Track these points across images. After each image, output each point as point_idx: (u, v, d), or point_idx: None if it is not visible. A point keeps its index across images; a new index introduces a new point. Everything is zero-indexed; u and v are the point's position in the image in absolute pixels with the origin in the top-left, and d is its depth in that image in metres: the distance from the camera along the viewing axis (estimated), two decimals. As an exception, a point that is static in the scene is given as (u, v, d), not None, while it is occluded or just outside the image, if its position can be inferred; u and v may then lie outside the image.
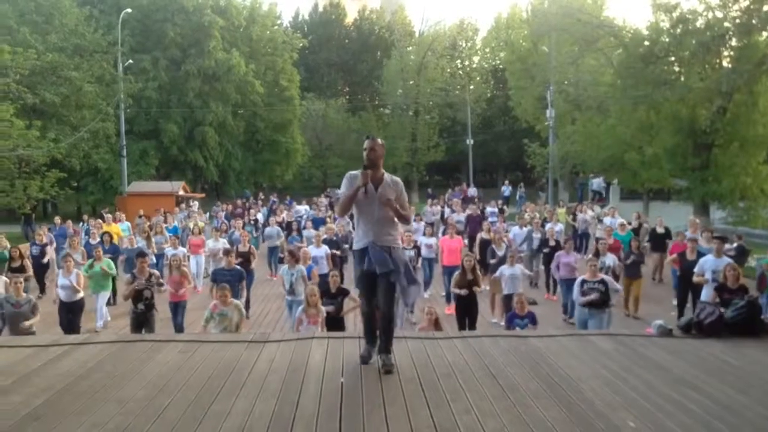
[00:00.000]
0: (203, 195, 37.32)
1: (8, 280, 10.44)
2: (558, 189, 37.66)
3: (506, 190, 35.53)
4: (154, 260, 15.17)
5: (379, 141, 5.49)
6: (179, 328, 11.15)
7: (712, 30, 21.83)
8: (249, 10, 47.79)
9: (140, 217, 23.22)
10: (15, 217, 29.09)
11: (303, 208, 26.85)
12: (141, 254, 10.65)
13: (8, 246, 14.62)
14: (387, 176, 5.53)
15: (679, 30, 23.18)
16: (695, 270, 10.40)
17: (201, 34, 41.64)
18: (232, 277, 10.94)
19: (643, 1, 43.67)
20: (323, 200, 29.91)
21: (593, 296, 9.27)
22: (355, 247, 5.63)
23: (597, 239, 16.49)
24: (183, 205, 27.09)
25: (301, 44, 49.99)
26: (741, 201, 23.95)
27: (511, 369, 5.60)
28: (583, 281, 9.55)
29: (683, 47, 22.85)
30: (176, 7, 41.76)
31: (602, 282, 9.44)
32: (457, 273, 11.29)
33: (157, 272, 10.81)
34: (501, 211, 24.04)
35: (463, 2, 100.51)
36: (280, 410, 4.66)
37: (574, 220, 19.63)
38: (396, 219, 5.49)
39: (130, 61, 36.48)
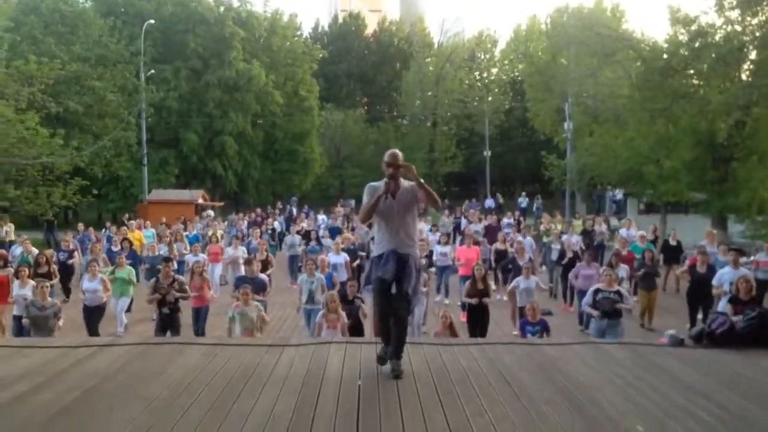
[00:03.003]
0: (222, 203, 37.67)
1: (36, 284, 10.70)
2: (575, 201, 37.64)
3: (523, 201, 35.55)
4: (176, 266, 15.42)
5: (399, 153, 5.66)
6: (201, 332, 11.36)
7: (730, 43, 21.84)
8: (270, 22, 48.26)
9: (162, 224, 23.56)
10: (37, 223, 29.53)
11: (321, 218, 27.06)
12: (166, 259, 10.88)
13: (32, 251, 14.94)
14: (405, 184, 5.68)
15: (697, 44, 23.24)
16: (714, 282, 10.45)
17: (222, 45, 42.15)
18: (255, 286, 11.08)
19: (662, 14, 43.66)
20: (340, 210, 30.12)
21: (603, 307, 9.26)
22: (375, 253, 5.80)
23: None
24: (204, 213, 27.42)
25: (321, 55, 50.35)
26: (759, 215, 23.89)
27: (524, 375, 5.73)
28: (598, 290, 9.59)
29: (702, 60, 22.86)
30: (198, 18, 42.35)
31: (618, 293, 9.49)
32: (468, 282, 11.42)
33: (182, 278, 11.03)
34: (518, 222, 24.11)
35: (482, 14, 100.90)
36: (299, 411, 4.82)
37: (591, 232, 19.66)
38: (428, 200, 5.57)
39: (152, 71, 37.01)
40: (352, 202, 40.29)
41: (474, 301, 10.61)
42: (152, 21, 37.30)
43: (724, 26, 23.12)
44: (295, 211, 31.92)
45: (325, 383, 5.50)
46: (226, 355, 6.40)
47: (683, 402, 5.06)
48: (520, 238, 16.39)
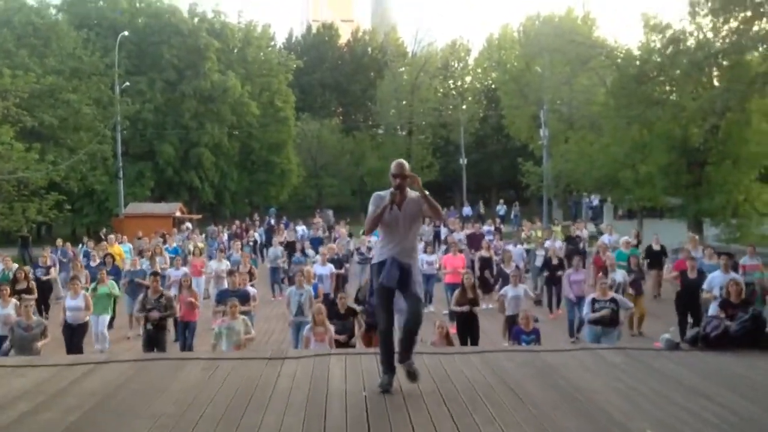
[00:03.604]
0: (200, 216, 37.40)
1: (18, 303, 10.53)
2: (552, 207, 37.96)
3: (501, 209, 35.78)
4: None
5: (406, 164, 5.68)
6: (188, 347, 11.26)
7: (703, 50, 22.27)
8: (244, 32, 48.18)
9: (139, 238, 23.31)
10: (10, 239, 29.05)
11: (301, 229, 26.97)
12: (154, 273, 10.78)
13: (12, 267, 14.69)
14: (411, 194, 5.66)
15: (669, 50, 23.65)
16: (704, 287, 10.58)
17: (197, 56, 41.95)
18: (238, 298, 11.00)
19: (634, 21, 44.44)
20: (319, 220, 30.06)
21: (603, 312, 9.34)
22: (375, 260, 5.80)
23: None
24: (183, 226, 27.19)
25: (295, 66, 50.34)
26: (733, 218, 24.32)
27: (527, 382, 5.77)
28: (594, 300, 9.66)
29: (675, 67, 23.27)
30: (172, 29, 42.11)
31: (613, 300, 9.58)
32: (457, 291, 11.46)
33: (169, 293, 10.93)
34: (498, 230, 24.25)
35: (454, 23, 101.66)
36: (309, 424, 4.80)
37: (575, 238, 19.84)
38: (432, 212, 5.62)
39: (127, 83, 36.70)
40: (330, 213, 40.26)
41: (465, 308, 10.63)
42: (126, 33, 36.99)
43: (696, 33, 23.62)
44: (273, 222, 31.81)
45: (330, 395, 5.48)
46: (226, 369, 6.36)
47: (688, 404, 5.14)
48: (509, 246, 16.49)
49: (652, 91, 24.86)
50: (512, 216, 35.01)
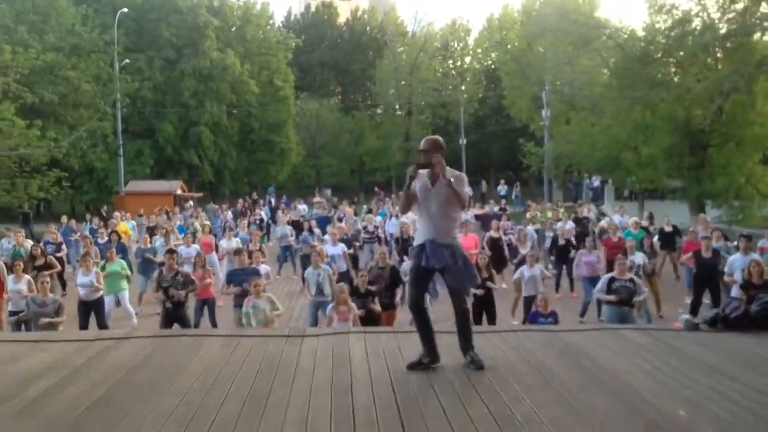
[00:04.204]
0: (201, 194, 37.33)
1: (32, 280, 10.49)
2: (552, 188, 37.97)
3: (502, 189, 35.78)
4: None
5: (432, 139, 5.58)
6: (213, 324, 11.27)
7: (710, 31, 22.16)
8: (243, 10, 47.78)
9: (140, 215, 23.25)
10: (9, 216, 28.95)
11: (302, 207, 26.91)
12: (170, 251, 10.75)
13: (23, 243, 14.63)
14: (449, 172, 5.53)
15: (674, 32, 23.54)
16: (725, 270, 10.57)
17: (196, 34, 41.61)
18: (248, 276, 10.95)
19: (638, 2, 44.05)
20: (321, 200, 30.02)
21: (619, 296, 9.32)
22: (415, 243, 5.74)
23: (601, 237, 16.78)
24: (187, 204, 27.13)
25: (294, 44, 49.99)
26: (735, 200, 24.36)
27: (551, 362, 5.75)
28: (612, 278, 9.64)
29: (681, 48, 23.17)
30: (171, 7, 41.74)
31: (632, 281, 9.56)
32: (472, 270, 11.41)
33: (185, 270, 10.89)
34: (503, 210, 24.22)
35: (454, 2, 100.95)
36: (337, 402, 4.78)
37: (583, 219, 19.82)
38: (455, 199, 5.45)
39: (127, 60, 36.44)
40: (329, 192, 40.26)
41: (480, 291, 10.62)
42: (125, 10, 36.67)
43: (701, 14, 23.49)
44: (274, 201, 31.77)
45: (354, 373, 5.47)
46: (246, 346, 6.34)
47: (714, 384, 5.13)
48: (523, 227, 16.46)
49: (656, 72, 24.78)
50: (513, 196, 34.99)
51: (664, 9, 23.73)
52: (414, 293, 5.72)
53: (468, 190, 5.71)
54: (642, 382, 5.19)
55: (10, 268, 11.11)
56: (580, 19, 28.83)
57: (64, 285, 15.50)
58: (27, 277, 10.81)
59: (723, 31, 22.35)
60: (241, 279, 10.52)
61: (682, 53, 24.08)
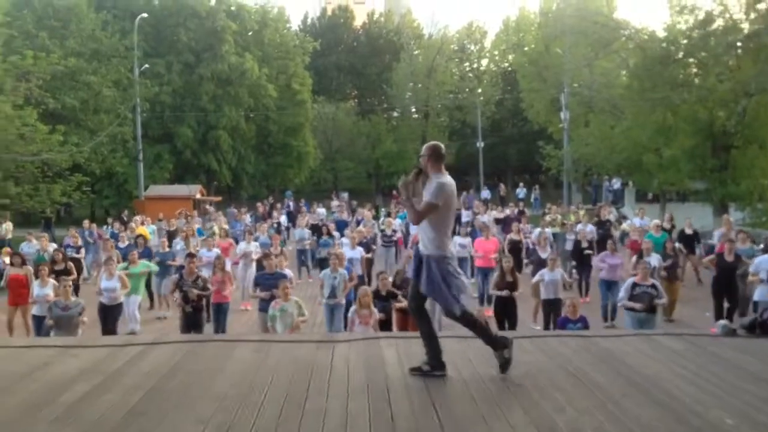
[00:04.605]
0: (219, 198, 37.46)
1: (57, 283, 10.53)
2: (571, 191, 37.73)
3: (521, 192, 35.61)
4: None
5: (428, 146, 5.48)
6: (222, 329, 11.25)
7: (734, 31, 21.93)
8: (260, 14, 47.95)
9: (160, 220, 23.34)
10: (30, 221, 29.19)
11: (320, 211, 26.95)
12: (190, 255, 10.75)
13: (47, 248, 14.72)
14: (432, 178, 5.35)
15: (696, 33, 23.32)
16: (750, 269, 10.41)
17: (214, 39, 41.88)
18: (277, 281, 10.92)
19: (658, 2, 43.58)
20: (340, 203, 30.03)
21: (643, 304, 9.21)
22: None
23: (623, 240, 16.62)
24: (209, 207, 27.24)
25: (312, 47, 50.03)
26: (759, 202, 24.06)
27: (588, 368, 5.66)
28: (635, 284, 9.53)
29: (704, 49, 22.94)
30: (189, 11, 42.07)
31: (653, 287, 9.45)
32: (496, 275, 11.38)
33: (204, 275, 10.92)
34: (522, 213, 24.07)
35: (470, 5, 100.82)
36: (375, 407, 4.73)
37: (605, 222, 19.66)
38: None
39: (146, 65, 36.67)
40: (346, 195, 40.24)
41: (504, 293, 10.54)
42: (144, 15, 36.90)
43: (723, 14, 23.24)
44: (292, 205, 31.80)
45: (389, 378, 5.41)
46: (277, 352, 6.30)
47: (758, 391, 5.02)
48: (546, 230, 16.35)
49: (678, 73, 24.55)
50: (533, 199, 34.83)
51: (686, 9, 23.49)
52: (410, 303, 5.73)
53: (430, 193, 5.27)
54: (683, 389, 5.09)
55: (36, 273, 11.17)
56: (601, 21, 28.64)
57: (76, 289, 15.54)
58: (52, 281, 10.86)
59: (746, 31, 22.04)
60: (270, 283, 10.48)
61: (704, 54, 23.83)
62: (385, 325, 9.48)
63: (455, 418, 4.53)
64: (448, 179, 5.37)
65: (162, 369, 5.78)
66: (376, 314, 9.05)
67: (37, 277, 11.16)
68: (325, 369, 5.75)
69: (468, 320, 5.56)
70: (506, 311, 10.81)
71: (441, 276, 5.30)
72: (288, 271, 11.92)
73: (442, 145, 5.60)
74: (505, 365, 5.41)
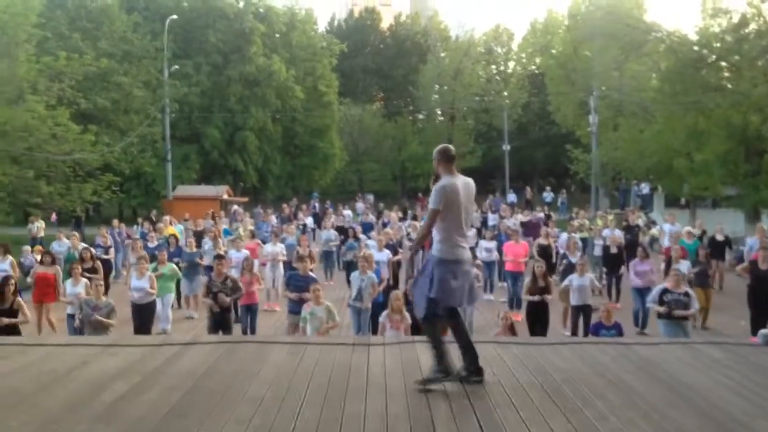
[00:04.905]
0: (246, 199, 37.67)
1: (89, 282, 10.63)
2: (599, 195, 37.39)
3: (548, 196, 35.37)
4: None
5: (439, 148, 5.55)
6: (252, 330, 11.28)
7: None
8: (288, 16, 48.15)
9: (186, 220, 23.46)
10: (60, 220, 29.50)
11: (347, 213, 26.96)
12: (219, 256, 10.79)
13: (78, 246, 14.88)
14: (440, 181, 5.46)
15: (729, 36, 22.99)
16: None
17: (242, 40, 42.18)
18: (307, 285, 10.85)
19: (689, 5, 43.04)
20: (366, 205, 30.07)
21: (677, 312, 9.08)
22: None
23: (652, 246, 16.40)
24: (237, 208, 27.45)
25: (339, 49, 50.07)
26: (794, 209, 23.67)
27: (628, 376, 5.58)
28: (665, 290, 9.38)
29: (738, 52, 22.61)
30: (218, 13, 42.41)
31: (687, 294, 9.30)
32: (528, 279, 11.30)
33: (234, 276, 10.95)
34: (548, 217, 23.91)
35: (497, 7, 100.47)
36: (414, 411, 4.71)
37: (634, 227, 19.43)
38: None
39: (176, 66, 36.98)
40: (371, 197, 40.25)
41: (536, 298, 10.46)
42: (175, 16, 37.26)
43: (757, 17, 22.88)
44: (318, 206, 31.88)
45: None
46: (313, 355, 6.28)
47: (806, 403, 4.93)
48: (574, 235, 16.20)
49: (711, 77, 24.21)
50: (560, 203, 34.58)
51: (720, 12, 23.18)
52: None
53: (432, 199, 5.33)
54: (728, 398, 5.00)
55: (69, 272, 11.27)
56: (632, 23, 28.32)
57: (106, 288, 15.67)
58: (84, 280, 10.95)
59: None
60: (301, 285, 10.46)
61: (737, 57, 23.48)
62: (416, 329, 9.42)
63: (496, 423, 4.49)
64: (449, 180, 5.39)
65: (199, 369, 5.80)
66: (408, 319, 9.00)
67: (69, 276, 11.25)
68: (362, 372, 5.74)
69: (428, 329, 5.51)
70: (538, 316, 10.71)
71: (437, 278, 5.27)
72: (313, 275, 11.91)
73: (452, 147, 5.66)
74: (428, 382, 5.27)
